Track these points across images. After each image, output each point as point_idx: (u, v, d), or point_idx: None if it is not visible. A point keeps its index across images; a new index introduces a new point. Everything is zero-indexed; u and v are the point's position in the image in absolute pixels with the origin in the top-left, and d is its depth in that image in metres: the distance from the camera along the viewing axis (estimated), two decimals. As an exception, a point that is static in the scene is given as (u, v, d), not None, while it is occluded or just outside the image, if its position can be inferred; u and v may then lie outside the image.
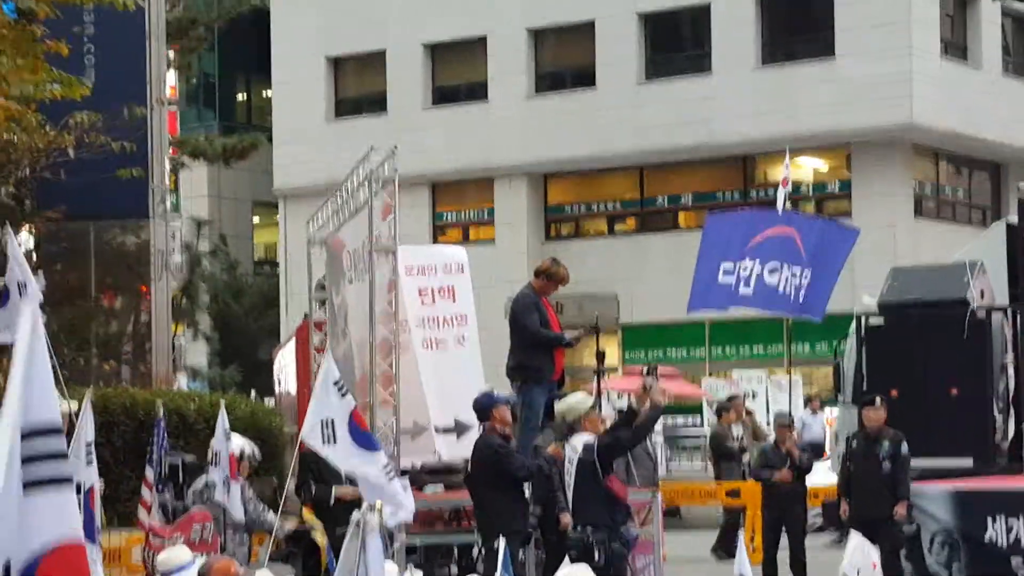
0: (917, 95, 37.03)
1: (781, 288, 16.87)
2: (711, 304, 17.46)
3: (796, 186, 37.32)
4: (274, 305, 45.64)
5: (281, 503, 12.98)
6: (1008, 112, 38.92)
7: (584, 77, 41.59)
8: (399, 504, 11.33)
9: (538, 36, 42.28)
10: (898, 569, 14.29)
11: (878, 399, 15.15)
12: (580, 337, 15.90)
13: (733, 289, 17.00)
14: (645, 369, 13.93)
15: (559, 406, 13.65)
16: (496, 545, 11.48)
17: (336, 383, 11.22)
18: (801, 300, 16.64)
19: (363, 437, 11.18)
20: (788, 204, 18.53)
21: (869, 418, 15.08)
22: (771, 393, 29.30)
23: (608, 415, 16.40)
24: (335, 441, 10.92)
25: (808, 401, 28.95)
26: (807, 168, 39.87)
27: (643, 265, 38.72)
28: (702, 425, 32.82)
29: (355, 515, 6.85)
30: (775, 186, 18.48)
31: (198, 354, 41.31)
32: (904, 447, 14.60)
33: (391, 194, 15.84)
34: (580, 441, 13.19)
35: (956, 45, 39.19)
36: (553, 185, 43.14)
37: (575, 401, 13.68)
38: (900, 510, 14.45)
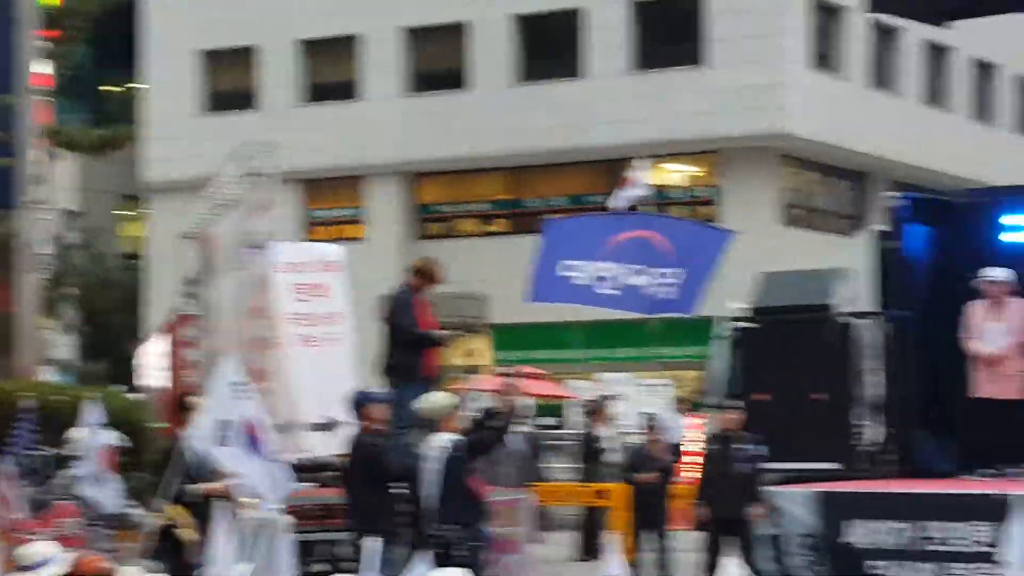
0: (786, 104, 37.56)
1: (647, 289, 17.00)
2: (549, 297, 17.53)
3: (665, 191, 37.72)
4: (139, 300, 45.19)
5: (150, 498, 12.90)
6: (874, 123, 39.58)
7: (458, 78, 41.68)
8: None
9: (411, 35, 42.28)
10: (756, 570, 14.50)
11: (735, 402, 15.38)
12: (453, 336, 15.96)
13: (588, 288, 17.09)
14: (507, 369, 14.06)
15: (421, 405, 13.72)
16: (368, 543, 11.51)
17: (235, 385, 11.20)
18: (669, 298, 16.78)
19: (256, 443, 11.17)
20: (639, 207, 18.66)
21: (727, 421, 15.29)
22: (639, 395, 29.55)
23: (474, 414, 16.50)
24: (227, 443, 10.88)
25: (676, 404, 29.21)
26: (678, 174, 40.28)
27: (514, 266, 38.61)
28: (569, 427, 33.01)
29: (253, 514, 6.86)
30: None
31: (64, 348, 40.81)
32: (760, 449, 14.81)
33: (266, 190, 15.82)
34: (441, 440, 13.26)
35: (824, 56, 39.79)
36: (425, 184, 43.17)
37: (436, 400, 13.74)
38: (757, 511, 14.66)
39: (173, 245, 21.37)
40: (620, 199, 17.96)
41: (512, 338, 39.89)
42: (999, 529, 12.93)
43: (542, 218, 40.65)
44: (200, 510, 14.34)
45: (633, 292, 17.11)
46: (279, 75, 43.35)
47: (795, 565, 14.48)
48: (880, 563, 13.97)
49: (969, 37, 41.82)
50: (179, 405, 15.40)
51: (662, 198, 36.87)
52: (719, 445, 15.31)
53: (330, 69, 43.86)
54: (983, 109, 45.83)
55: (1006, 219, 17.97)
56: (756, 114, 37.28)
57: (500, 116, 39.99)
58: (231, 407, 11.14)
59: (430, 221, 43.22)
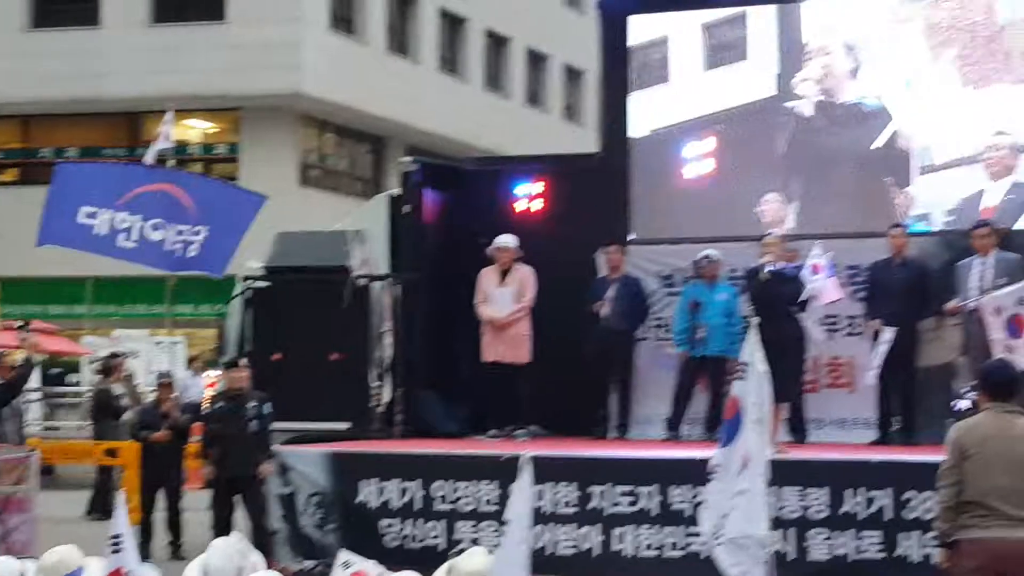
0: (305, 65, 37.63)
1: (168, 245, 16.77)
2: (62, 241, 17.08)
3: (184, 147, 37.28)
4: None
5: None
6: (391, 88, 40.13)
7: (-33, 20, 40.04)
8: None
9: (-84, -31, 40.38)
10: (267, 528, 14.59)
11: (242, 361, 15.40)
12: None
13: (107, 239, 16.73)
14: (19, 324, 13.68)
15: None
16: None
17: None
18: (196, 257, 16.59)
19: None
20: (172, 162, 18.45)
21: (233, 379, 15.27)
22: (152, 353, 29.20)
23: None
24: None
25: (190, 362, 29.00)
26: (196, 130, 39.86)
27: (25, 217, 37.48)
28: (81, 383, 32.35)
29: None
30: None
31: None
32: (268, 407, 14.84)
33: None
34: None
35: (344, 19, 40.05)
36: (-70, 130, 41.35)
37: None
38: (266, 468, 14.73)
39: None
40: (151, 153, 17.66)
41: (21, 292, 38.67)
42: (504, 488, 13.44)
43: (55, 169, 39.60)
44: None
45: (154, 247, 16.83)
46: None
47: (306, 524, 14.65)
48: (390, 521, 14.29)
49: (483, 9, 42.99)
50: None
51: (181, 154, 36.46)
52: (228, 404, 15.28)
53: None
54: (496, 80, 47.13)
55: (516, 187, 18.65)
56: (275, 73, 37.24)
57: (12, 62, 38.63)
58: None
59: (-66, 168, 41.46)
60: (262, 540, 14.29)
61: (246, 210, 16.91)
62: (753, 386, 10.47)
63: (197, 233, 16.38)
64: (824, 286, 15.70)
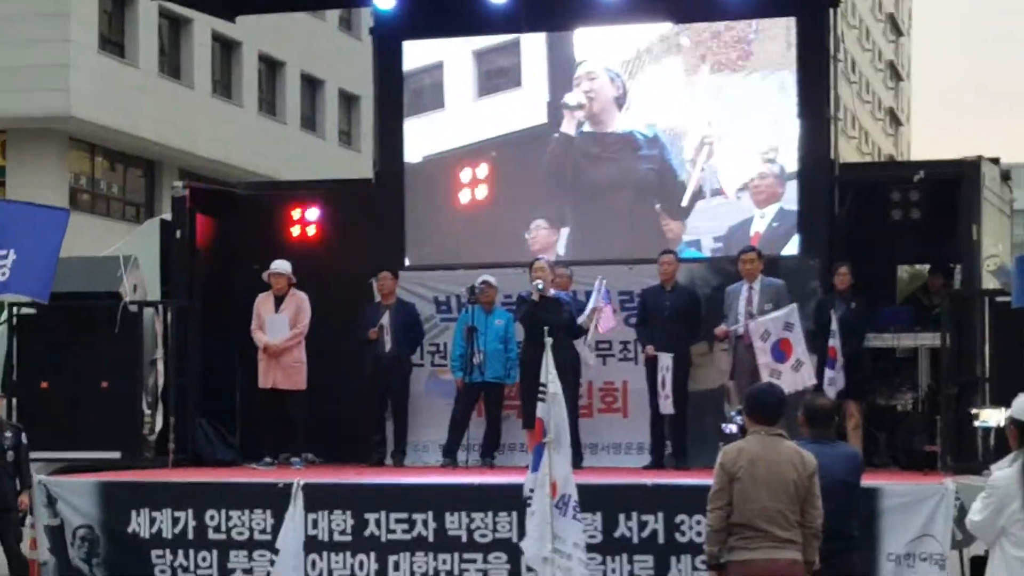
0: (73, 87, 36.95)
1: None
2: None
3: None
4: None
5: None
6: (163, 112, 39.62)
7: None
8: None
9: None
10: (24, 560, 14.23)
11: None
12: None
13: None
14: None
15: None
16: None
17: None
18: (8, 280, 15.96)
19: None
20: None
21: (-16, 408, 14.86)
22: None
23: None
24: None
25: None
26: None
27: None
28: None
29: None
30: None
31: None
32: (24, 437, 14.49)
33: None
34: None
35: (115, 41, 39.47)
36: None
37: None
38: (23, 499, 14.35)
39: None
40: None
41: None
42: (278, 516, 13.33)
43: None
44: None
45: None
46: None
47: (75, 556, 14.35)
48: (162, 552, 14.07)
49: (257, 33, 42.72)
50: None
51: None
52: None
53: None
54: (271, 105, 46.84)
55: (291, 213, 18.55)
56: (43, 95, 36.51)
57: None
58: None
59: None
60: (20, 573, 14.00)
61: (51, 227, 16.40)
62: (549, 407, 10.58)
63: (3, 256, 15.83)
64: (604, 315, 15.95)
